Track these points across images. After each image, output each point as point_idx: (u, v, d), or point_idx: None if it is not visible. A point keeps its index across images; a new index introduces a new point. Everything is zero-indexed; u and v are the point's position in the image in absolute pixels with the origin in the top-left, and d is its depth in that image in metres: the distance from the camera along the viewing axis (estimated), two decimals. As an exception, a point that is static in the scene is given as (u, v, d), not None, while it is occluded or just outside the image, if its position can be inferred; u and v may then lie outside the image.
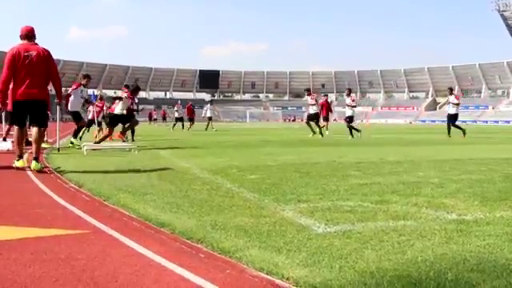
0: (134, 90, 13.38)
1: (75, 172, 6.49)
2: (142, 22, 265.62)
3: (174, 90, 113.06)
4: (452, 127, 18.66)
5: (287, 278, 2.35)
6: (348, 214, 3.75)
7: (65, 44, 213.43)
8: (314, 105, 19.84)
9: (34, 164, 6.65)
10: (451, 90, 20.77)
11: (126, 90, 13.06)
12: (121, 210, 4.05)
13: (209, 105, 30.75)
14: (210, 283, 2.31)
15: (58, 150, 10.28)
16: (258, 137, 19.42)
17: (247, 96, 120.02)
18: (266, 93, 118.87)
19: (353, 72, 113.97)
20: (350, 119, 18.42)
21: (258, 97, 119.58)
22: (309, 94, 20.64)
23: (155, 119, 55.69)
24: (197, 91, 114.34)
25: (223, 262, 2.63)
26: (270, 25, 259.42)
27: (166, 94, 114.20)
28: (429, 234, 3.16)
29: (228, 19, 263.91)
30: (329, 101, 23.94)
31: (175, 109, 30.39)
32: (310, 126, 19.92)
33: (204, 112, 30.92)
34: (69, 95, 12.16)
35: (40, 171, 6.55)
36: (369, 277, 2.35)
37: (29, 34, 6.82)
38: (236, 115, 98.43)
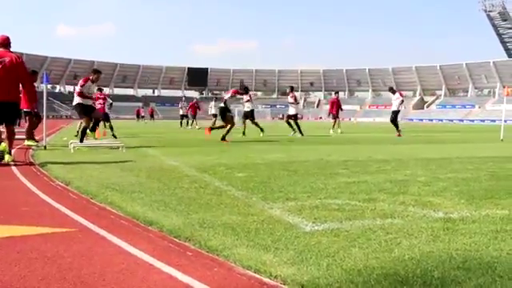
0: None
1: (62, 170, 6.44)
2: (130, 19, 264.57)
3: (163, 88, 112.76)
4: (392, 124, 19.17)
5: (275, 276, 2.36)
6: (336, 213, 3.76)
7: (52, 41, 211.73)
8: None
9: (7, 157, 7.33)
10: (392, 89, 20.97)
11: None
12: (108, 208, 4.03)
13: (213, 102, 29.75)
14: (198, 281, 2.31)
15: (45, 147, 10.20)
16: (246, 134, 19.39)
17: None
18: (255, 90, 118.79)
19: (341, 70, 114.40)
20: (294, 117, 18.54)
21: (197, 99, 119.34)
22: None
23: (143, 116, 55.43)
24: (185, 89, 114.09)
25: (211, 261, 2.63)
26: (258, 23, 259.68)
27: (154, 92, 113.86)
28: (416, 232, 3.18)
29: (217, 17, 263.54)
30: (339, 98, 23.57)
31: (179, 106, 30.12)
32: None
33: (209, 109, 29.90)
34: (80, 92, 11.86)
35: (9, 164, 7.14)
36: (356, 275, 2.35)
37: (4, 43, 7.50)
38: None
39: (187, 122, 28.80)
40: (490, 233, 3.16)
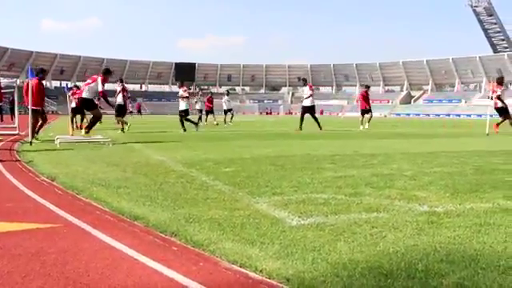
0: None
1: (48, 165, 6.40)
2: (116, 13, 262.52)
3: (150, 83, 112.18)
4: (304, 120, 18.26)
5: (260, 271, 2.36)
6: (322, 207, 3.77)
7: (37, 36, 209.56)
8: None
9: None
10: (305, 81, 19.39)
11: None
12: (94, 204, 4.01)
13: (226, 96, 28.31)
14: (183, 276, 2.30)
15: (31, 143, 10.12)
16: (233, 129, 19.40)
17: (224, 89, 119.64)
18: (243, 86, 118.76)
19: (329, 65, 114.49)
20: (184, 112, 17.49)
21: (235, 90, 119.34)
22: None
23: (131, 112, 55.09)
24: (173, 84, 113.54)
25: (196, 255, 2.63)
26: (246, 18, 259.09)
27: (141, 87, 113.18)
28: (401, 226, 3.20)
29: (204, 12, 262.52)
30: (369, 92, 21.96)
31: (195, 100, 27.35)
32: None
33: (223, 104, 27.98)
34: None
35: None
36: (341, 268, 2.37)
37: None
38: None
39: (200, 118, 25.89)
40: (473, 226, 3.19)
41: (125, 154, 8.30)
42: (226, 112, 26.98)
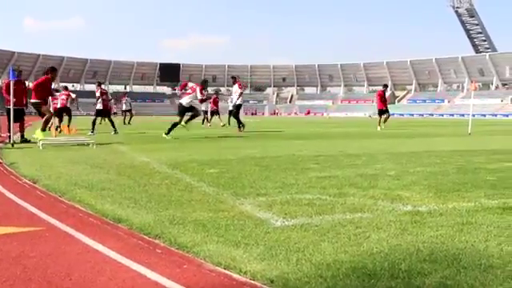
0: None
1: (30, 167, 6.32)
2: (100, 13, 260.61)
3: (134, 84, 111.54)
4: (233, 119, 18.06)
5: (244, 272, 2.36)
6: (306, 207, 3.78)
7: (19, 35, 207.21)
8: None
9: None
10: (234, 79, 18.73)
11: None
12: (77, 206, 3.97)
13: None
14: (167, 279, 2.29)
15: (13, 145, 10.00)
16: (218, 130, 19.36)
17: (208, 89, 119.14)
18: (227, 86, 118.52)
19: (313, 66, 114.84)
20: (98, 113, 16.97)
21: (220, 90, 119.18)
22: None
23: (115, 113, 54.69)
24: (157, 84, 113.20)
25: (180, 258, 2.61)
26: (230, 17, 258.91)
27: (125, 88, 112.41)
28: (384, 226, 3.22)
29: (188, 11, 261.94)
30: (387, 92, 21.35)
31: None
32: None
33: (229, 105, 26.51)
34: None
35: None
36: (325, 269, 2.37)
37: None
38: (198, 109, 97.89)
39: (205, 119, 25.65)
40: (456, 225, 3.22)
41: (109, 155, 8.24)
42: (230, 113, 24.67)
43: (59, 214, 3.68)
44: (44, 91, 11.70)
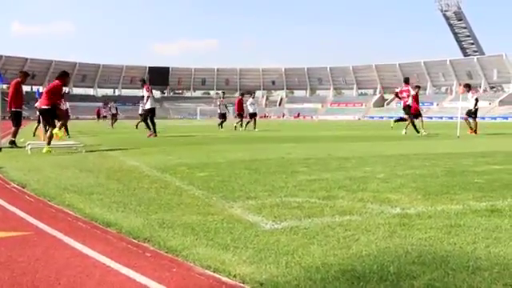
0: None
1: (19, 172, 6.28)
2: (89, 17, 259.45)
3: (123, 87, 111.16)
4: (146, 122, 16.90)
5: (234, 276, 2.36)
6: (295, 210, 3.79)
7: (7, 39, 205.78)
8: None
9: None
10: (143, 81, 18.26)
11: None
12: (66, 211, 3.95)
13: (251, 99, 25.04)
14: (156, 282, 2.29)
15: (0, 149, 9.93)
16: (208, 134, 19.36)
17: (198, 93, 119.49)
18: (217, 90, 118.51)
19: (302, 69, 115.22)
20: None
21: (209, 94, 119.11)
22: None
23: (104, 116, 54.46)
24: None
25: (170, 261, 2.61)
26: (219, 21, 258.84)
27: (114, 91, 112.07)
28: (373, 229, 3.23)
29: (177, 15, 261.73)
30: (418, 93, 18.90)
31: (218, 103, 25.71)
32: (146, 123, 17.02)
33: (248, 108, 24.95)
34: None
35: None
36: (314, 272, 2.38)
37: None
38: (187, 112, 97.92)
39: (221, 123, 24.33)
40: (444, 227, 3.24)
41: (98, 159, 8.20)
42: (251, 116, 23.91)
43: (48, 218, 3.66)
44: (56, 96, 11.36)
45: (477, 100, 18.21)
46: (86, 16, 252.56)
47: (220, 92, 35.25)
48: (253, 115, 23.80)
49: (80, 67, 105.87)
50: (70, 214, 3.83)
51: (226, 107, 26.56)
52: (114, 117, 30.69)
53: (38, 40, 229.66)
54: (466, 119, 18.33)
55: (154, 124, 16.36)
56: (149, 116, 16.77)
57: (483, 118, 73.47)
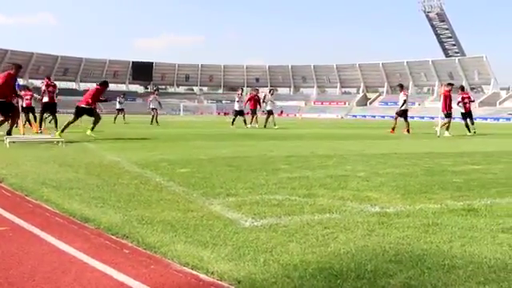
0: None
1: (-4, 166, 6.19)
2: (71, 9, 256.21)
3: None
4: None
5: (212, 273, 2.36)
6: (275, 208, 3.80)
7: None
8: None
9: None
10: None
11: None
12: (44, 206, 3.90)
13: (269, 95, 24.68)
14: (133, 279, 2.27)
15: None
16: (191, 130, 19.30)
17: (181, 89, 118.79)
18: (201, 86, 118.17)
19: (286, 66, 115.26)
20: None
21: (193, 90, 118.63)
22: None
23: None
24: (129, 83, 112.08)
25: (148, 258, 2.60)
26: (204, 17, 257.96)
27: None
28: (352, 227, 3.25)
29: (161, 10, 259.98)
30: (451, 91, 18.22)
31: (236, 99, 24.38)
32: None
33: (264, 105, 24.47)
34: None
35: None
36: (292, 270, 2.39)
37: None
38: (170, 108, 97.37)
39: (244, 121, 23.42)
40: (422, 226, 3.28)
41: (78, 154, 8.11)
42: (269, 113, 23.44)
43: (25, 213, 3.61)
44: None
45: (405, 101, 18.55)
46: (67, 8, 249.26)
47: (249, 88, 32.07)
48: (270, 112, 23.39)
49: (62, 60, 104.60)
50: (48, 209, 3.78)
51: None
52: (122, 111, 29.26)
53: (18, 32, 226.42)
54: (395, 118, 18.69)
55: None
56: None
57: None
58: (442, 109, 17.69)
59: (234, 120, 23.43)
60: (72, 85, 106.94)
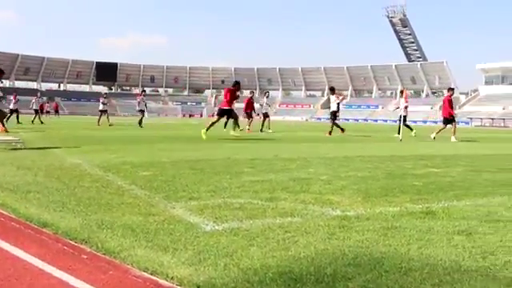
0: None
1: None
2: (32, 6, 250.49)
3: (69, 82, 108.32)
4: None
5: (171, 278, 2.34)
6: (237, 212, 3.80)
7: None
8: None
9: None
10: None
11: None
12: (-1, 210, 3.79)
13: (265, 98, 24.49)
14: (90, 285, 2.23)
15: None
16: (155, 132, 19.12)
17: (146, 90, 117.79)
18: (166, 87, 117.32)
19: (252, 69, 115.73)
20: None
21: (158, 91, 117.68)
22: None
23: (48, 112, 52.84)
24: (93, 84, 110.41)
25: (107, 263, 2.56)
26: (170, 18, 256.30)
27: (59, 86, 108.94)
28: (313, 230, 3.28)
29: (127, 10, 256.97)
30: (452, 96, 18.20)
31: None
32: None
33: (261, 107, 24.39)
34: None
35: None
36: (252, 274, 2.39)
37: None
38: (134, 109, 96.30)
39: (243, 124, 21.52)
40: (381, 229, 3.33)
41: (38, 156, 7.92)
42: (265, 116, 23.33)
43: (-21, 218, 3.50)
44: None
45: (338, 104, 20.03)
46: (28, 4, 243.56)
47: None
48: (265, 115, 23.39)
49: (22, 59, 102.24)
50: (3, 213, 3.67)
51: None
52: (106, 113, 27.12)
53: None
54: (331, 120, 19.95)
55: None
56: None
57: (425, 122, 76.01)
58: (444, 114, 17.74)
59: (226, 123, 21.57)
60: (33, 85, 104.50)
